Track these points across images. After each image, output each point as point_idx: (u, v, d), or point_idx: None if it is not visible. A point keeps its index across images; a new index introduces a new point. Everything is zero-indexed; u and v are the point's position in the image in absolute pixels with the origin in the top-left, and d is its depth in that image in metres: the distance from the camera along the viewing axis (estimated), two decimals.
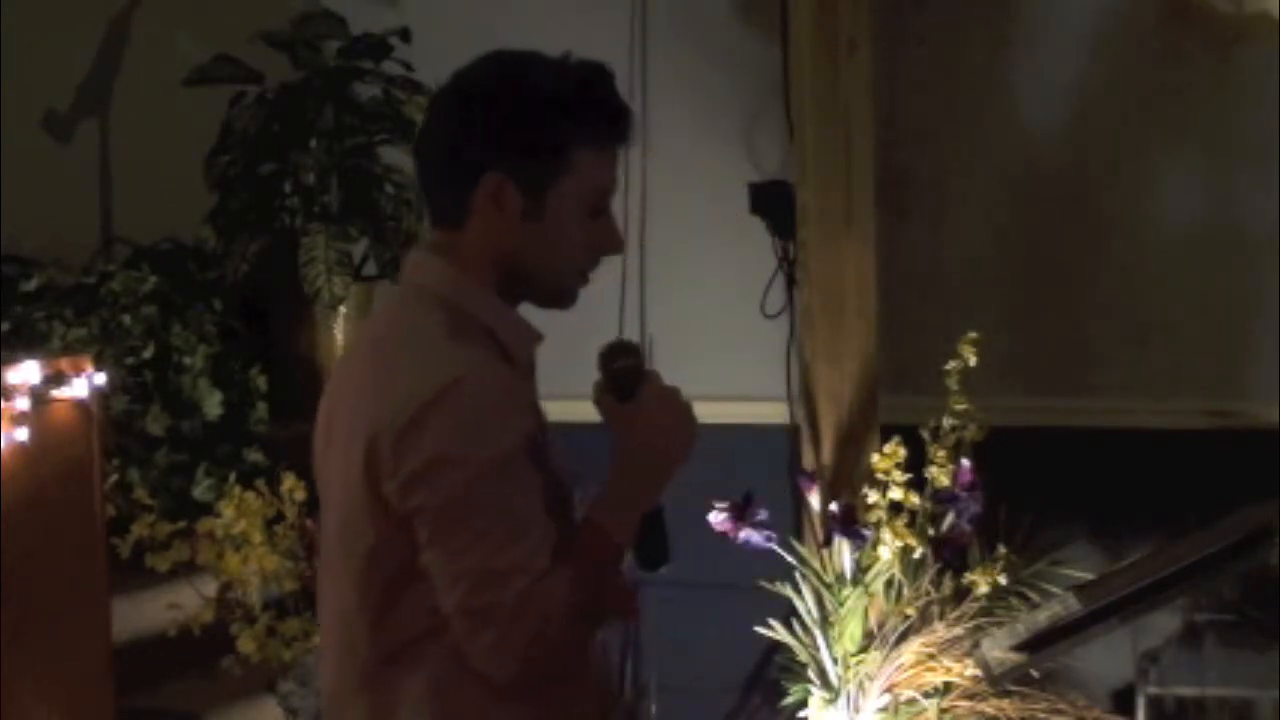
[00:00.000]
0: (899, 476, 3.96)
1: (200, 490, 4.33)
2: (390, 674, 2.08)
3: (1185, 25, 4.66)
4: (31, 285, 4.37)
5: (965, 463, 4.01)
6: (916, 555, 4.02)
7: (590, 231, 2.14)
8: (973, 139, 4.85)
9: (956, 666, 3.89)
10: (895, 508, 3.97)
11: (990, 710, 3.91)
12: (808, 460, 4.34)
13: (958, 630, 3.93)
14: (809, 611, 4.06)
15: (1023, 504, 4.10)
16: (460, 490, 1.99)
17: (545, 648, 2.01)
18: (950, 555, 4.03)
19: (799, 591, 4.07)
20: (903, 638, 3.99)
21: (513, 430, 2.02)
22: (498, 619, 1.98)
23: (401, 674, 2.07)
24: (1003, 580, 3.96)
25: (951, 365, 4.00)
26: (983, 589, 3.94)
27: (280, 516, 3.81)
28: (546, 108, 2.09)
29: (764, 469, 4.62)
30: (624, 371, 2.17)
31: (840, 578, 4.04)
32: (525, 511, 2.02)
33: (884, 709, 3.97)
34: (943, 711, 3.93)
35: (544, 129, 2.09)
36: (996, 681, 3.68)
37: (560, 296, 2.17)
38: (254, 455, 4.45)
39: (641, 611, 2.19)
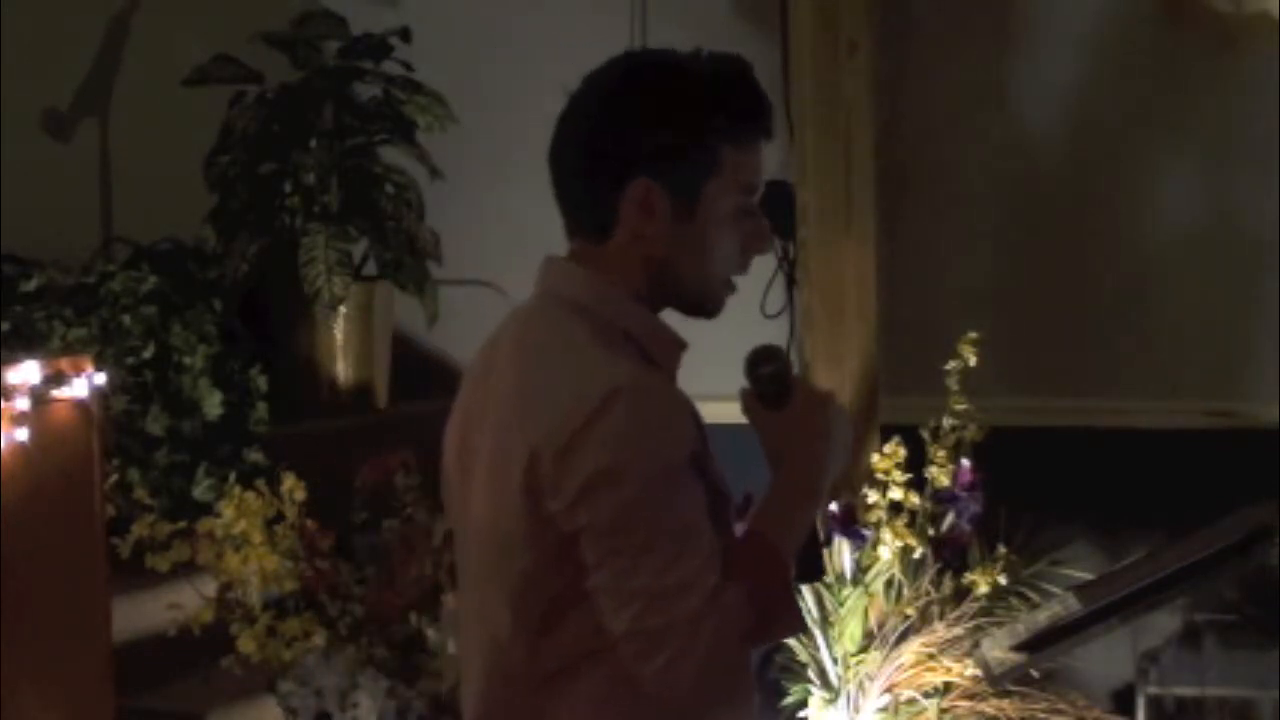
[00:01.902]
0: (899, 476, 3.96)
1: (200, 490, 4.33)
2: (546, 699, 2.00)
3: (1185, 25, 4.66)
4: (31, 285, 4.36)
5: (965, 463, 4.01)
6: (916, 555, 4.02)
7: (740, 232, 2.07)
8: (973, 139, 4.85)
9: (956, 666, 3.89)
10: (895, 508, 3.97)
11: (990, 710, 3.91)
12: None
13: (958, 630, 3.93)
14: (809, 611, 4.06)
15: (1023, 504, 4.10)
16: (628, 504, 1.91)
17: (719, 667, 1.94)
18: (950, 555, 4.03)
19: (799, 591, 4.07)
20: (903, 638, 3.99)
21: (679, 439, 1.96)
22: (672, 639, 1.90)
23: (560, 698, 1.99)
24: (1003, 580, 3.96)
25: (951, 365, 4.00)
26: (983, 589, 3.94)
27: (280, 516, 3.81)
28: (691, 107, 2.02)
29: (764, 469, 4.62)
30: (770, 377, 2.11)
31: (840, 578, 4.04)
32: (694, 526, 1.95)
33: (884, 709, 3.97)
34: (943, 711, 3.93)
35: (690, 129, 2.01)
36: (996, 681, 3.67)
37: (708, 305, 2.11)
38: (254, 455, 4.44)
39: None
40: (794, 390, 2.10)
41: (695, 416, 2.02)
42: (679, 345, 2.11)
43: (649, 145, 2.01)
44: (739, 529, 2.12)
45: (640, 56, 2.09)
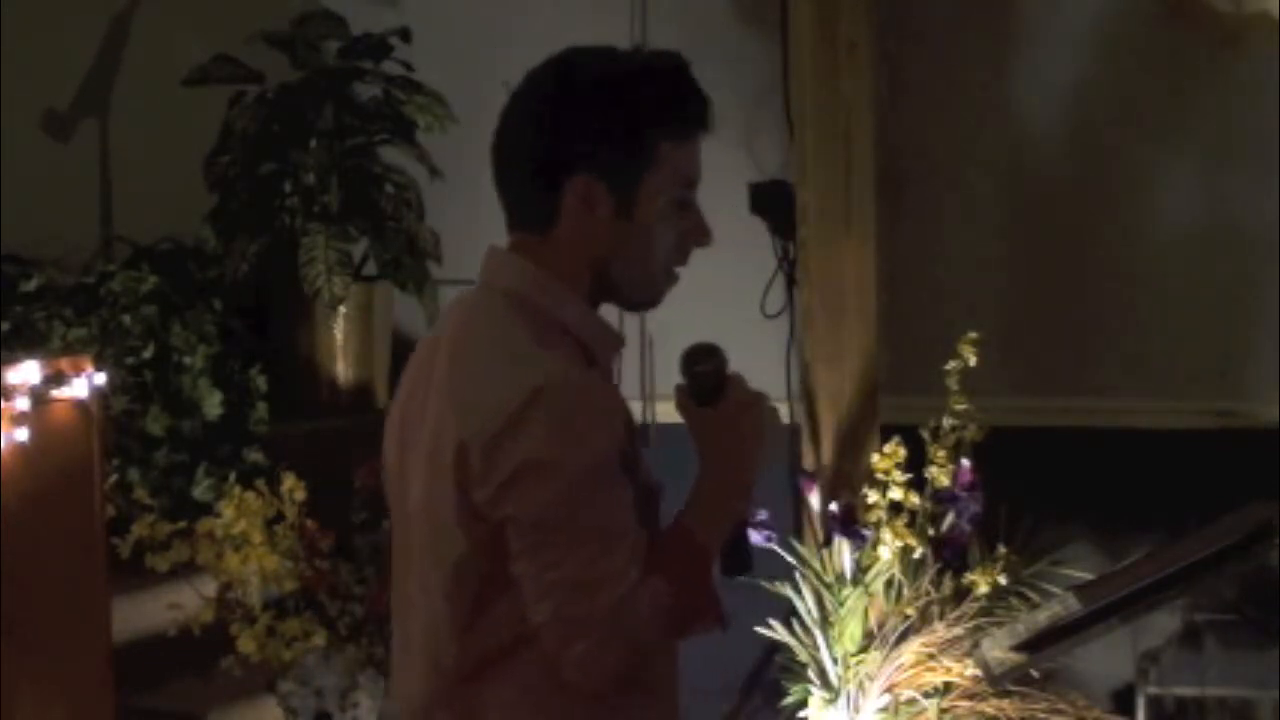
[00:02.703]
0: (899, 476, 3.96)
1: (200, 490, 4.33)
2: (478, 684, 2.04)
3: (1185, 25, 4.66)
4: (31, 285, 4.36)
5: (965, 463, 4.01)
6: (916, 555, 4.02)
7: (679, 225, 2.11)
8: (973, 139, 4.85)
9: (956, 666, 3.89)
10: (895, 508, 3.97)
11: (990, 710, 3.91)
12: (808, 460, 4.34)
13: (958, 630, 3.93)
14: (809, 611, 4.06)
15: (1023, 504, 4.10)
16: (553, 498, 1.95)
17: (637, 658, 1.99)
18: (950, 555, 4.03)
19: (799, 591, 4.07)
20: (903, 638, 3.99)
21: (605, 435, 1.99)
22: (591, 629, 1.95)
23: (489, 684, 2.04)
24: (1003, 580, 3.96)
25: (951, 365, 4.00)
26: (983, 589, 3.94)
27: (280, 516, 3.81)
28: (628, 103, 2.06)
29: (764, 469, 4.62)
30: (705, 375, 2.13)
31: (840, 578, 4.04)
32: (618, 519, 1.99)
33: (884, 709, 3.97)
34: (943, 711, 3.93)
35: (629, 125, 2.05)
36: (996, 681, 3.67)
37: (648, 296, 2.15)
38: (254, 455, 4.44)
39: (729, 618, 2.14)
40: (726, 389, 2.12)
41: (624, 414, 2.05)
42: (616, 340, 2.15)
43: (588, 142, 2.05)
44: None
45: (579, 54, 2.12)
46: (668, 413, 2.21)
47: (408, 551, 2.14)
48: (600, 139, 2.05)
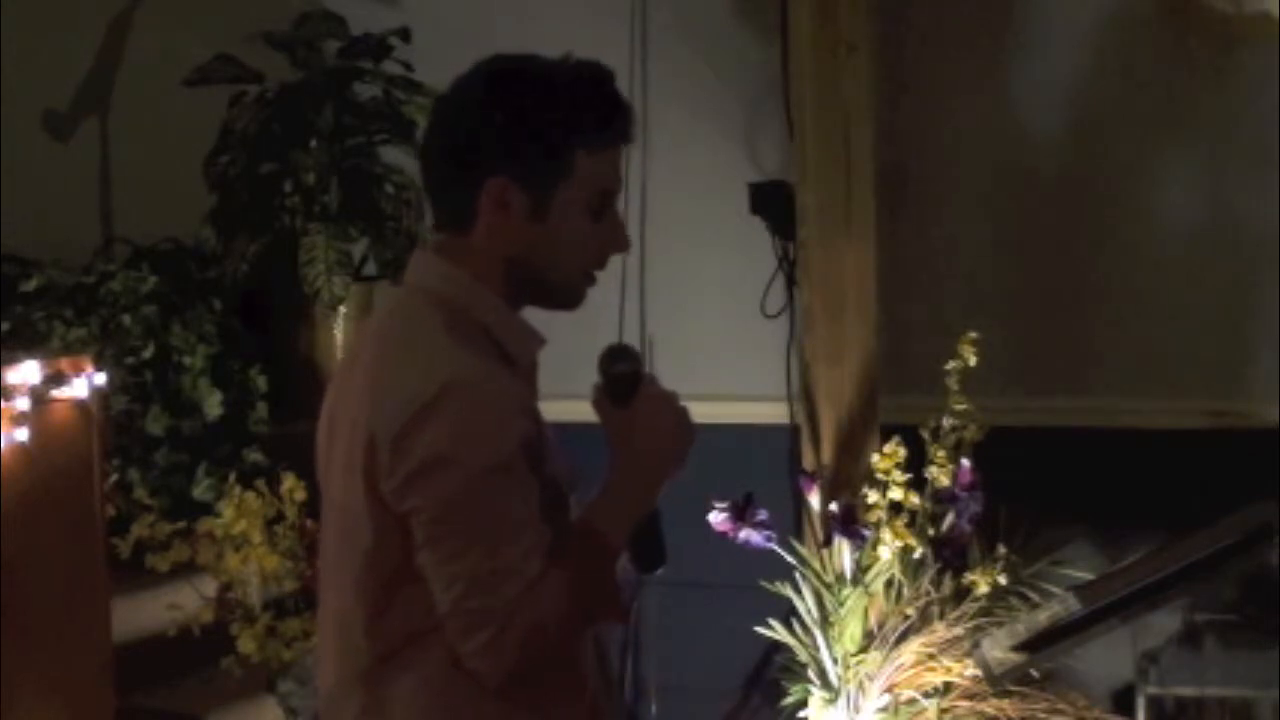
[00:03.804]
0: (899, 476, 3.96)
1: (200, 490, 4.33)
2: (385, 672, 2.09)
3: (1185, 25, 4.65)
4: (31, 285, 4.36)
5: (965, 463, 4.01)
6: (916, 555, 4.02)
7: (596, 231, 2.15)
8: (973, 139, 4.85)
9: (956, 666, 3.89)
10: (895, 508, 3.97)
11: (990, 710, 3.91)
12: (808, 460, 4.34)
13: (958, 630, 3.93)
14: (809, 611, 4.06)
15: (1023, 504, 4.10)
16: (456, 492, 2.01)
17: (537, 650, 2.03)
18: (950, 555, 4.03)
19: (799, 591, 4.07)
20: (903, 638, 3.99)
21: (509, 433, 2.03)
22: (491, 621, 2.00)
23: (396, 672, 2.09)
24: (1003, 580, 3.96)
25: (951, 365, 4.00)
26: (983, 589, 3.94)
27: (280, 516, 3.81)
28: (547, 110, 2.10)
29: (764, 469, 4.62)
30: (621, 376, 2.17)
31: (840, 578, 4.04)
32: (520, 515, 2.04)
33: (884, 709, 3.97)
34: (943, 711, 3.93)
35: (545, 131, 2.10)
36: (996, 681, 3.66)
37: (567, 298, 2.19)
38: (254, 455, 4.45)
39: (634, 614, 2.18)
40: (639, 389, 2.16)
41: (530, 412, 2.09)
42: (535, 339, 2.19)
43: (505, 146, 2.10)
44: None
45: (504, 61, 2.16)
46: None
47: (327, 544, 2.20)
48: (518, 144, 2.10)
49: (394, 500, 2.03)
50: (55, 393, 3.45)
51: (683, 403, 2.19)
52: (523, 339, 2.18)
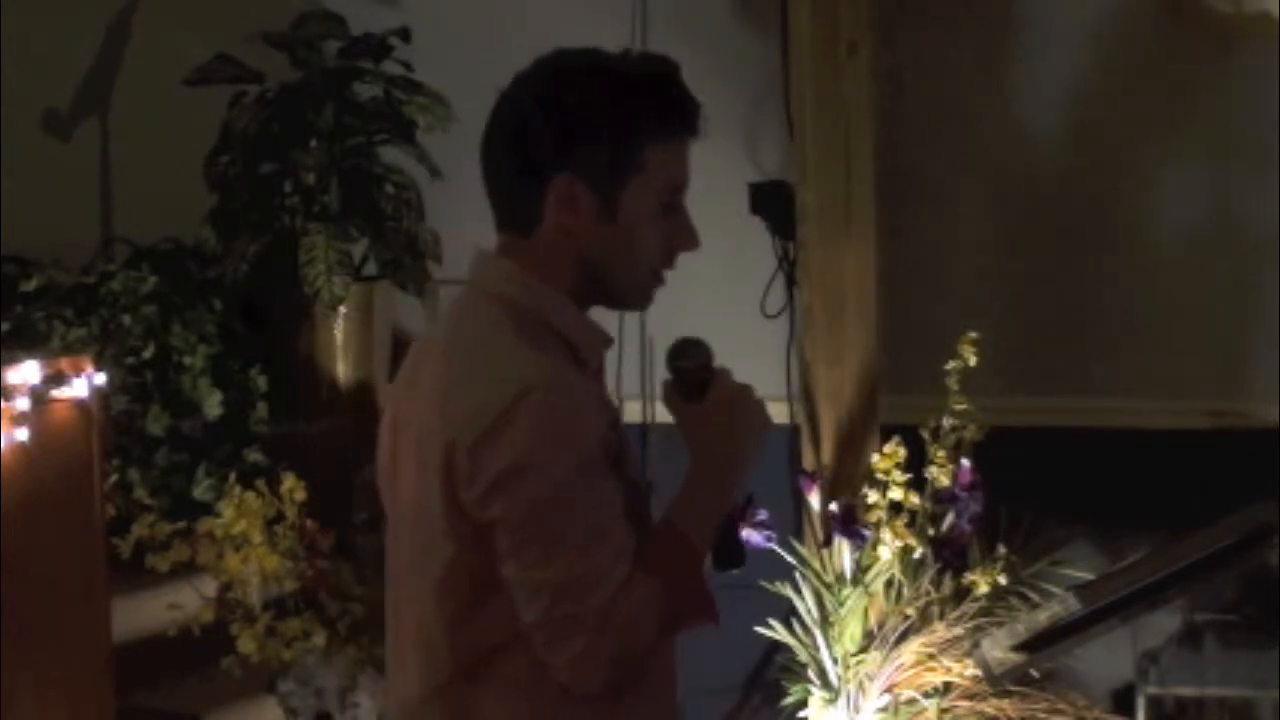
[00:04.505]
0: (899, 476, 3.96)
1: (200, 490, 4.33)
2: (468, 685, 2.05)
3: (1185, 25, 4.65)
4: (31, 285, 4.36)
5: (965, 463, 4.01)
6: (916, 555, 4.02)
7: (664, 229, 2.11)
8: (973, 139, 4.85)
9: (956, 666, 3.89)
10: (895, 508, 3.97)
11: (990, 710, 3.91)
12: (808, 460, 4.34)
13: (958, 630, 3.93)
14: (809, 611, 4.06)
15: (1023, 504, 4.10)
16: (539, 499, 1.96)
17: (629, 657, 1.98)
18: (950, 555, 4.03)
19: (799, 591, 4.07)
20: (903, 638, 3.99)
21: (590, 435, 1.99)
22: (581, 630, 1.95)
23: (480, 685, 2.04)
24: (1003, 580, 3.96)
25: (951, 365, 4.00)
26: (983, 589, 3.94)
27: (280, 516, 3.81)
28: (615, 105, 2.06)
29: (764, 469, 4.61)
30: (691, 370, 2.14)
31: (840, 578, 4.04)
32: (604, 519, 1.99)
33: (884, 709, 3.97)
34: (943, 711, 3.93)
35: (614, 127, 2.06)
36: (996, 681, 3.67)
37: (636, 298, 2.15)
38: (254, 455, 4.44)
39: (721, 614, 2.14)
40: (712, 384, 2.13)
41: (610, 413, 2.05)
42: (604, 340, 2.15)
43: (573, 142, 2.05)
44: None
45: (568, 56, 2.12)
46: (667, 413, 2.20)
47: (399, 554, 2.14)
48: (585, 141, 2.05)
49: (475, 510, 1.98)
50: (55, 393, 3.45)
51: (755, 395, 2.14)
52: (592, 340, 2.13)
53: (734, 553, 2.15)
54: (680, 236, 2.13)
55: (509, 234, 2.13)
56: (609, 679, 1.98)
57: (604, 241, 2.08)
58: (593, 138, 2.05)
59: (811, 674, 4.07)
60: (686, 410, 2.13)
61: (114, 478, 4.05)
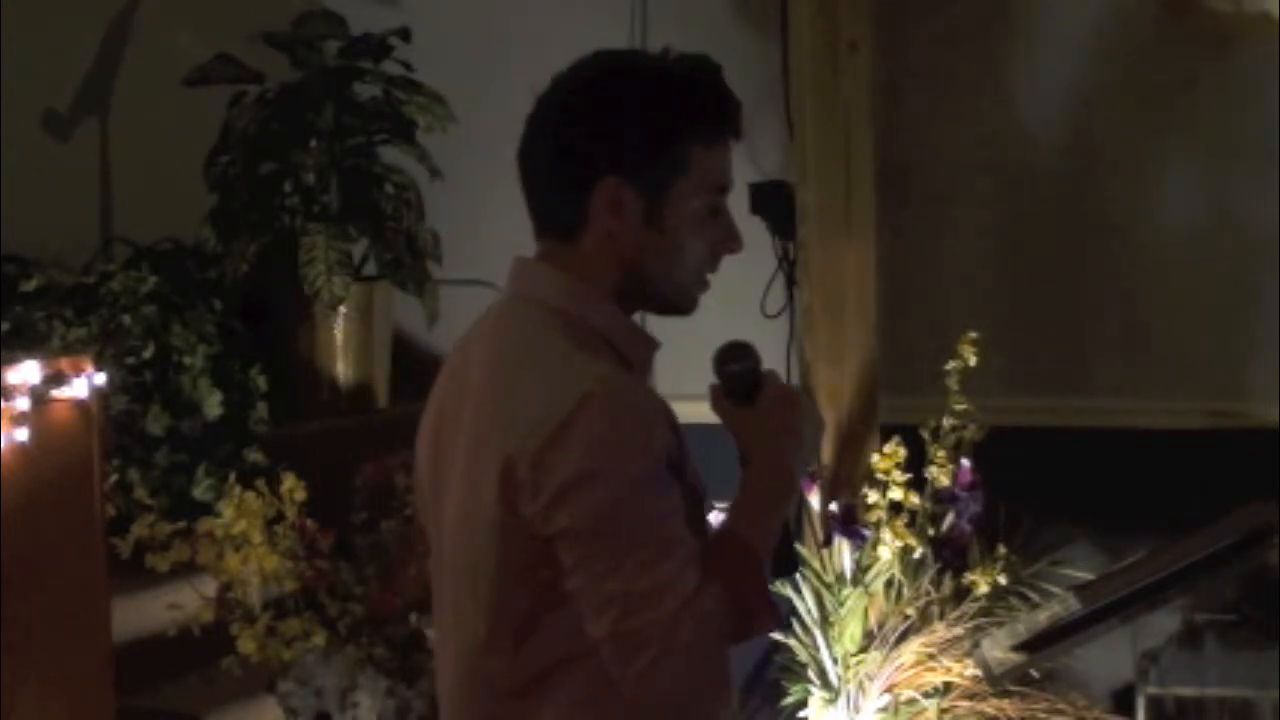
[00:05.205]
0: (899, 476, 3.96)
1: (200, 490, 4.32)
2: (526, 702, 2.00)
3: (1185, 25, 4.66)
4: (31, 285, 4.36)
5: (965, 463, 4.01)
6: (916, 555, 4.02)
7: (710, 232, 2.08)
8: (973, 139, 4.85)
9: (956, 666, 3.89)
10: (895, 508, 3.97)
11: (990, 710, 3.91)
12: None
13: (958, 630, 3.93)
14: (809, 611, 4.06)
15: (1023, 504, 4.10)
16: (604, 508, 1.90)
17: (699, 668, 1.93)
18: (950, 555, 4.03)
19: (799, 591, 4.07)
20: (903, 638, 3.99)
21: (653, 442, 1.94)
22: (652, 642, 1.90)
23: (538, 702, 1.99)
24: (1003, 580, 3.96)
25: (951, 365, 4.00)
26: (983, 589, 3.95)
27: (280, 516, 3.81)
28: (660, 107, 2.03)
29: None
30: (739, 375, 2.11)
31: (840, 578, 4.04)
32: (672, 527, 1.94)
33: (884, 709, 3.97)
34: (943, 711, 3.93)
35: (659, 129, 2.02)
36: (996, 681, 3.67)
37: (681, 303, 2.11)
38: (254, 455, 4.44)
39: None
40: (762, 387, 2.09)
41: (670, 418, 2.00)
42: (651, 345, 2.11)
43: (618, 145, 2.01)
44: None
45: (609, 57, 2.08)
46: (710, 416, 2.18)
47: (443, 577, 2.09)
48: (630, 143, 2.01)
49: (539, 523, 1.92)
50: (55, 393, 3.44)
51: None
52: (639, 345, 2.09)
53: (790, 559, 2.12)
54: (725, 239, 2.10)
55: (549, 240, 2.07)
56: (678, 690, 1.93)
57: (649, 246, 2.04)
58: (638, 140, 2.01)
59: (811, 674, 4.07)
60: (739, 415, 2.09)
61: (114, 478, 4.04)
